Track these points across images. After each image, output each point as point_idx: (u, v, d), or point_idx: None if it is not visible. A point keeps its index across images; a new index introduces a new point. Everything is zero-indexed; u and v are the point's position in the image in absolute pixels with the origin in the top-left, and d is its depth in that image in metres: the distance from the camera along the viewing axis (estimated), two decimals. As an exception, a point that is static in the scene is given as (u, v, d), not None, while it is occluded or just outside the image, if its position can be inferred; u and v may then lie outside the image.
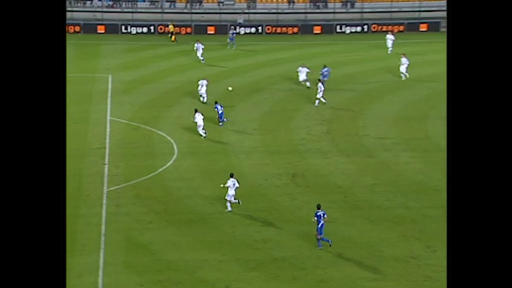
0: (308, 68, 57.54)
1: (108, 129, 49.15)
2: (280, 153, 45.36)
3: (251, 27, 78.82)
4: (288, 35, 78.47)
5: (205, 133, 47.60)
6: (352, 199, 39.16)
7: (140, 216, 36.80)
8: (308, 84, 57.17)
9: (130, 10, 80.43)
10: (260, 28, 78.74)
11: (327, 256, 33.19)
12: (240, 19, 79.49)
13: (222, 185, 37.73)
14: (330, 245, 33.61)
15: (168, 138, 47.58)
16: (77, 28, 76.69)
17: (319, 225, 33.43)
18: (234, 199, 37.51)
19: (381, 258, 33.00)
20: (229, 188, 37.34)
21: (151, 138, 47.85)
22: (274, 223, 36.08)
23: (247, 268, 32.16)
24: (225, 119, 49.82)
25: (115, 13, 79.80)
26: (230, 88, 54.45)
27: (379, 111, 53.48)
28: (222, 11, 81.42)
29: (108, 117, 51.47)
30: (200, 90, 54.16)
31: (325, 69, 57.73)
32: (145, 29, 77.25)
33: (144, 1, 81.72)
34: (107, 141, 47.06)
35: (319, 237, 33.59)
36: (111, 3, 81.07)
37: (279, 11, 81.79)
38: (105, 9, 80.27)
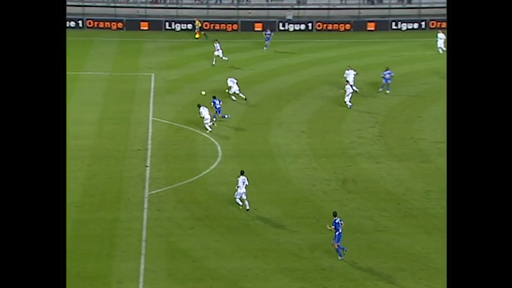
0: (355, 71, 55.51)
1: (150, 130, 48.23)
2: (329, 157, 43.96)
3: (300, 23, 77.24)
4: (340, 32, 76.73)
5: (210, 127, 47.33)
6: (405, 207, 37.67)
7: (182, 221, 36.03)
8: (356, 88, 54.96)
9: (175, 6, 79.37)
10: (310, 24, 77.08)
11: (378, 267, 31.85)
12: (289, 15, 77.92)
13: (237, 187, 37.33)
14: (344, 253, 32.56)
15: (212, 140, 46.49)
16: (120, 25, 75.75)
17: (337, 233, 32.50)
18: (240, 199, 37.06)
19: (436, 270, 31.53)
20: (239, 187, 36.99)
21: (194, 140, 46.76)
22: (322, 231, 34.56)
23: (292, 278, 31.03)
24: (226, 116, 48.97)
25: (159, 9, 78.77)
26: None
27: (437, 113, 51.43)
28: (270, 6, 79.98)
29: (151, 118, 50.54)
30: (231, 89, 52.84)
31: (387, 71, 55.78)
32: (189, 26, 76.07)
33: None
34: (149, 142, 46.15)
35: (336, 245, 32.60)
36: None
37: (330, 6, 79.99)
38: (148, 5, 79.29)
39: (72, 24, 74.68)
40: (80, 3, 77.33)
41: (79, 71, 60.55)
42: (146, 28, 75.88)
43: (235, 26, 76.62)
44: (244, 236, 34.46)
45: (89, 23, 75.26)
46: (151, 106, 52.79)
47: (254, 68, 62.58)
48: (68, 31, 72.37)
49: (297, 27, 76.96)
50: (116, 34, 73.77)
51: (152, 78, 59.79)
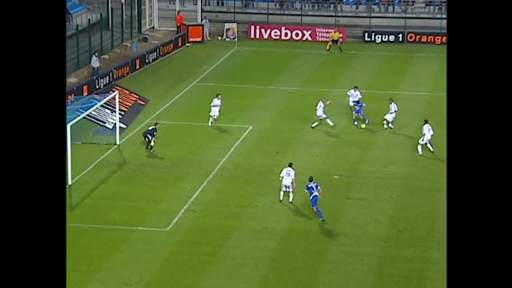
0: None
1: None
2: None
3: None
4: None
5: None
6: None
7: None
8: None
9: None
10: None
11: None
12: None
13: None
14: (322, 221, 35.42)
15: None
16: (446, 39, 72.00)
17: (311, 197, 35.53)
18: (288, 189, 37.35)
19: None
20: (284, 179, 37.37)
21: None
22: None
23: None
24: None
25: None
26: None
27: None
28: None
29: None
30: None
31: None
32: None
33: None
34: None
35: (314, 208, 35.70)
36: None
37: None
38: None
39: (391, 38, 72.19)
40: (403, 15, 74.54)
41: (395, 90, 57.53)
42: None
43: None
44: None
45: (410, 37, 71.95)
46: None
47: None
48: (386, 46, 70.75)
49: None
50: (440, 49, 69.10)
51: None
